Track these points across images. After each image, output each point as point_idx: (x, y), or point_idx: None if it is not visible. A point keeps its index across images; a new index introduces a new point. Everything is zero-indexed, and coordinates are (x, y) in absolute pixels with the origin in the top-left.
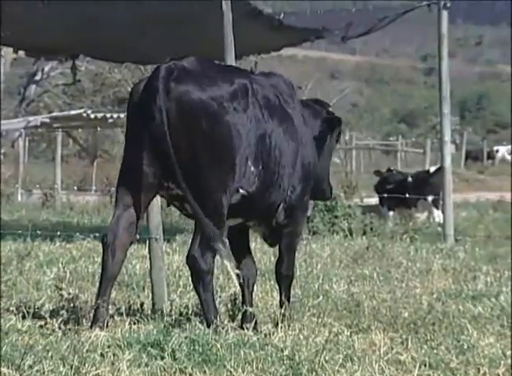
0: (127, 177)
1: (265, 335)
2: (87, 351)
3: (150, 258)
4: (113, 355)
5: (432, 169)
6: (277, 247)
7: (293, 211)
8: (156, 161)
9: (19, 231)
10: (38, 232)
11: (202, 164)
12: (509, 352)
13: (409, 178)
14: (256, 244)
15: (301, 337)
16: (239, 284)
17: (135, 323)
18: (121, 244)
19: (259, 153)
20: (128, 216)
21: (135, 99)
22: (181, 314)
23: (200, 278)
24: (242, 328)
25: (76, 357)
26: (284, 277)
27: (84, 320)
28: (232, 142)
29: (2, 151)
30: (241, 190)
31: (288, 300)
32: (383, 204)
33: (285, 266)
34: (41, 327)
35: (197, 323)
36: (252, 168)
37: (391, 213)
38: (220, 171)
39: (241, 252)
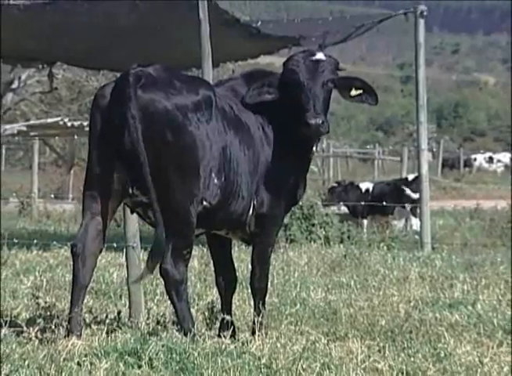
0: (92, 185)
1: (243, 343)
2: (64, 360)
3: (127, 267)
4: (90, 363)
5: (411, 177)
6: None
7: (264, 220)
8: (121, 167)
9: None
10: (15, 240)
11: (169, 173)
12: (485, 360)
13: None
14: (233, 252)
15: (279, 345)
16: (219, 293)
17: (112, 332)
18: (91, 253)
19: (222, 165)
20: (96, 224)
21: (100, 103)
22: (158, 322)
23: (174, 288)
24: (219, 336)
25: (53, 366)
26: (257, 289)
27: (61, 329)
28: (196, 153)
29: None
30: (204, 202)
31: (264, 308)
32: (355, 213)
33: (257, 278)
34: (17, 335)
35: (174, 331)
36: (215, 181)
37: (365, 221)
38: (187, 179)
39: (222, 260)
